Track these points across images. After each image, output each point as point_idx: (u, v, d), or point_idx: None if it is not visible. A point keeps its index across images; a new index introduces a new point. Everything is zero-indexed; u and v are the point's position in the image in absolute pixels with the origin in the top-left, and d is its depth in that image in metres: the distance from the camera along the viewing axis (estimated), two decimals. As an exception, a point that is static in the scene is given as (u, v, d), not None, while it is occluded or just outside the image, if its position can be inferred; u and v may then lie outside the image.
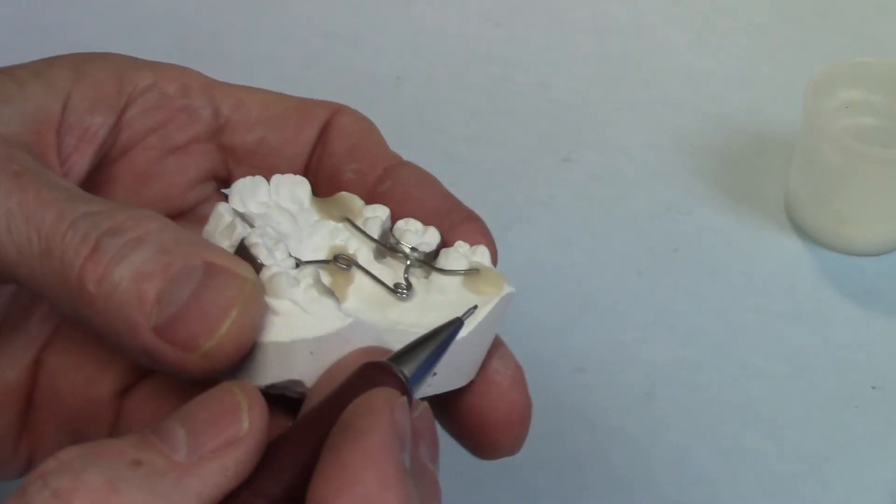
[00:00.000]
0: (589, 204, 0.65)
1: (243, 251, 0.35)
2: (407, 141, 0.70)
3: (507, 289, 0.37)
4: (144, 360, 0.33)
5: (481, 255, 0.38)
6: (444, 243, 0.38)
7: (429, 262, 0.38)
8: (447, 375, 0.36)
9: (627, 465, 0.54)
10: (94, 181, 0.39)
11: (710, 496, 0.53)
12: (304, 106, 0.41)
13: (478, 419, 0.37)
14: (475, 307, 0.36)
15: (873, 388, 0.57)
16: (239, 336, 0.33)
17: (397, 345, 0.34)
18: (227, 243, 0.36)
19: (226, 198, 0.39)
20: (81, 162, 0.38)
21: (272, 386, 0.34)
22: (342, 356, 0.34)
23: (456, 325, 0.34)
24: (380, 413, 0.30)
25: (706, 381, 0.57)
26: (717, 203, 0.65)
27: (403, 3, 0.78)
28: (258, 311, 0.33)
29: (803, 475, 0.54)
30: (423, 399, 0.34)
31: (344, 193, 0.39)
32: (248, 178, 0.38)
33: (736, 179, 0.66)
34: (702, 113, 0.70)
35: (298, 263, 0.36)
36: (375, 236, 0.38)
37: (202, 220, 0.37)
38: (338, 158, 0.40)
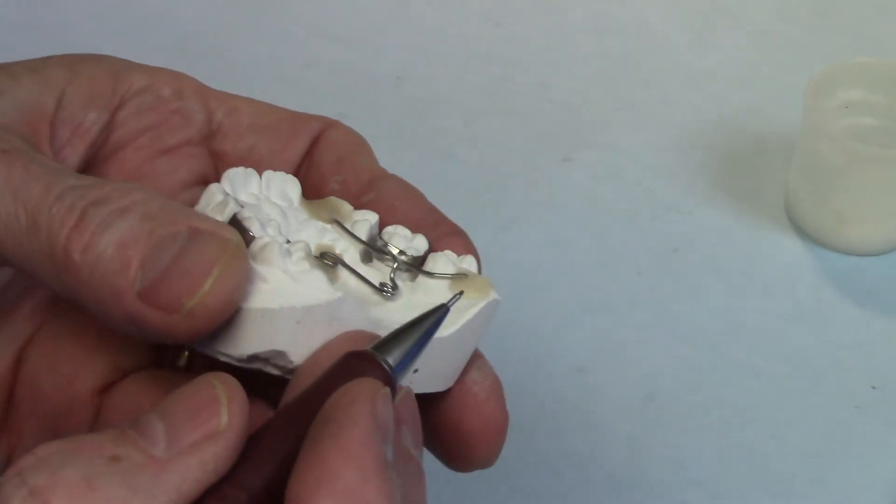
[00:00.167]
0: (589, 204, 0.65)
1: (236, 224, 0.35)
2: (407, 141, 0.70)
3: (494, 295, 0.37)
4: (130, 328, 0.33)
5: (469, 263, 0.38)
6: (432, 251, 0.38)
7: (416, 265, 0.37)
8: (428, 375, 0.35)
9: (627, 465, 0.54)
10: None
11: (710, 496, 0.53)
12: (297, 118, 0.41)
13: (453, 429, 0.37)
14: (461, 293, 0.36)
15: (873, 388, 0.57)
16: (222, 293, 0.32)
17: None
18: (220, 218, 0.35)
19: None
20: (73, 156, 0.38)
21: (255, 357, 0.34)
22: (328, 335, 0.34)
23: (441, 311, 0.34)
24: (360, 405, 0.30)
25: (706, 381, 0.57)
26: (717, 203, 0.65)
27: (403, 3, 0.78)
28: (241, 270, 0.33)
29: (803, 475, 0.54)
30: None
31: (333, 198, 0.39)
32: (241, 168, 0.38)
33: (736, 179, 0.66)
34: (702, 113, 0.70)
35: (288, 242, 0.36)
36: (363, 239, 0.38)
37: None
38: (325, 169, 0.40)
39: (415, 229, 0.38)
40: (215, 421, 0.30)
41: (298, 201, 0.39)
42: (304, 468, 0.29)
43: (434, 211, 0.39)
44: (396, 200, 0.39)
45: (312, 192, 0.40)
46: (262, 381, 0.36)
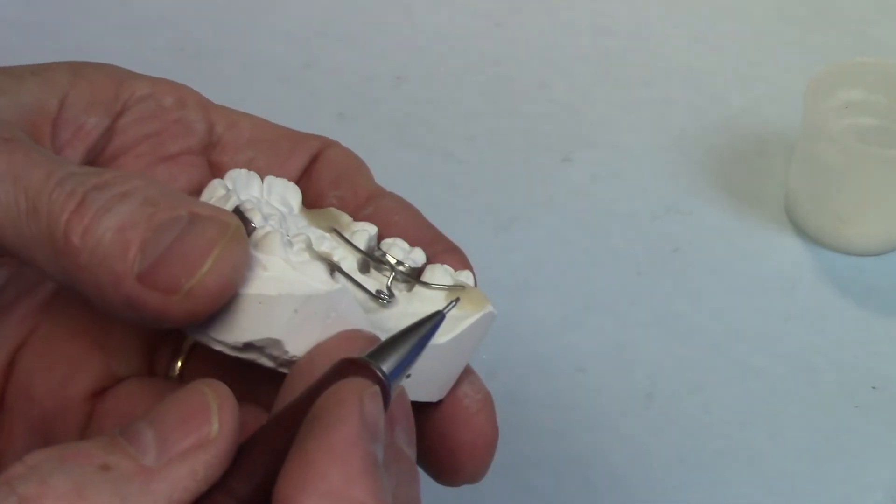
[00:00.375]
0: (589, 204, 0.65)
1: (238, 215, 0.35)
2: (407, 141, 0.70)
3: (489, 308, 0.37)
4: (128, 313, 0.33)
5: (466, 277, 0.38)
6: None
7: (413, 276, 0.37)
8: (420, 383, 0.35)
9: (627, 465, 0.54)
10: None
11: (710, 496, 0.53)
12: (297, 136, 0.41)
13: (442, 442, 0.37)
14: (457, 299, 0.36)
15: (873, 388, 0.57)
16: (221, 276, 0.32)
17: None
18: None
19: None
20: (73, 158, 0.38)
21: (250, 345, 0.34)
22: (325, 326, 0.34)
23: (437, 318, 0.34)
24: (347, 405, 0.30)
25: (706, 381, 0.57)
26: (717, 203, 0.65)
27: (403, 3, 0.78)
28: (241, 253, 0.33)
29: (803, 475, 0.54)
30: None
31: (333, 209, 0.39)
32: (243, 170, 0.38)
33: (736, 179, 0.66)
34: (702, 113, 0.70)
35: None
36: (362, 248, 0.38)
37: None
38: (323, 185, 0.40)
39: (412, 245, 0.38)
40: (206, 428, 0.30)
41: (298, 209, 0.39)
42: (291, 469, 0.29)
43: (431, 228, 0.40)
44: (394, 216, 0.39)
45: (310, 207, 0.40)
46: (255, 384, 0.36)
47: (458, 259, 0.39)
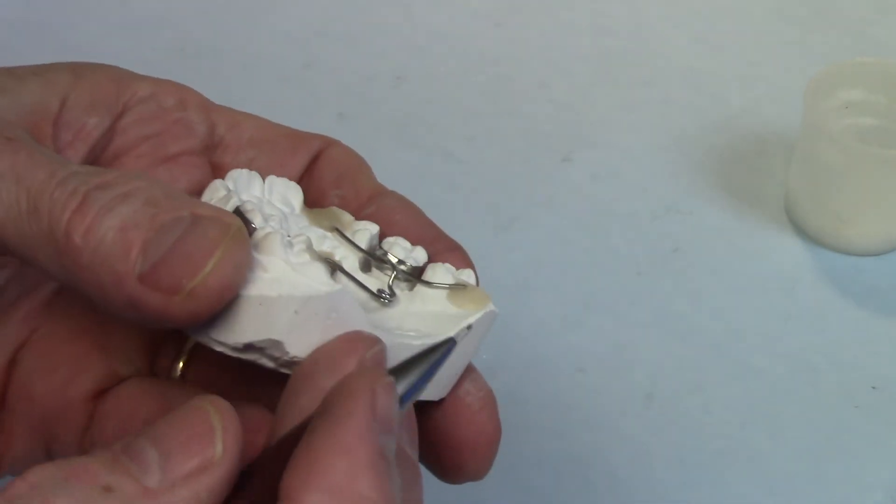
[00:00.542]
0: (589, 204, 0.65)
1: (238, 216, 0.35)
2: (407, 141, 0.70)
3: (491, 307, 0.37)
4: (130, 313, 0.33)
5: (467, 276, 0.38)
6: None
7: (415, 275, 0.38)
8: None
9: (627, 465, 0.54)
10: None
11: (710, 496, 0.53)
12: (298, 135, 0.41)
13: (445, 440, 0.37)
14: (469, 327, 0.36)
15: (873, 388, 0.57)
16: (223, 276, 0.32)
17: None
18: None
19: None
20: (74, 159, 0.38)
21: (250, 346, 0.34)
22: (326, 327, 0.34)
23: (448, 344, 0.34)
24: (357, 397, 0.30)
25: (706, 381, 0.57)
26: (717, 203, 0.65)
27: (403, 3, 0.78)
28: (243, 254, 0.33)
29: (803, 475, 0.54)
30: None
31: (335, 208, 0.39)
32: (245, 170, 0.38)
33: (736, 179, 0.66)
34: (702, 113, 0.70)
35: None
36: (363, 248, 0.38)
37: None
38: (324, 184, 0.40)
39: (414, 244, 0.38)
40: (210, 451, 0.30)
41: (300, 208, 0.39)
42: (297, 462, 0.29)
43: (433, 226, 0.40)
44: (396, 215, 0.39)
45: (311, 207, 0.40)
46: (257, 383, 0.36)
47: (459, 257, 0.39)
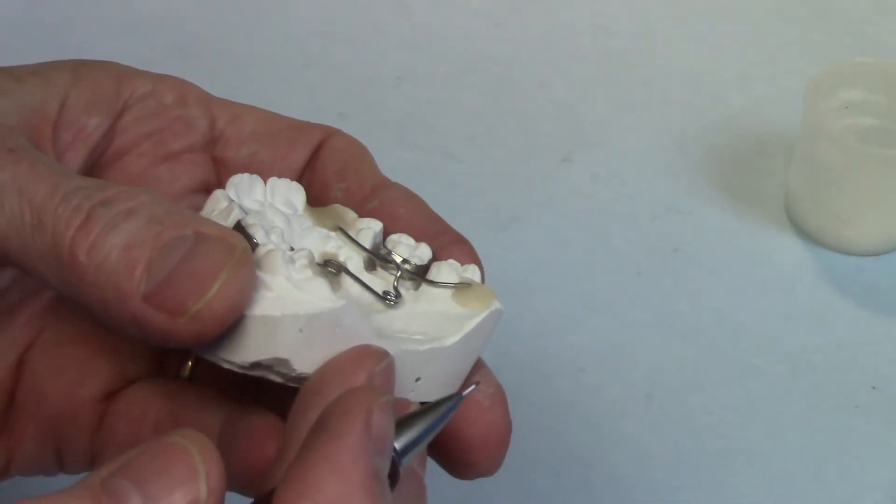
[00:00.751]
0: (589, 204, 0.65)
1: (239, 230, 0.35)
2: (407, 141, 0.70)
3: (497, 305, 0.37)
4: (134, 331, 0.33)
5: (472, 272, 0.38)
6: (435, 260, 0.38)
7: (419, 274, 0.37)
8: (431, 384, 0.36)
9: (627, 465, 0.54)
10: None
11: (710, 496, 0.53)
12: (300, 126, 0.41)
13: (456, 437, 0.36)
14: (478, 382, 0.36)
15: (873, 388, 0.57)
16: (228, 299, 0.32)
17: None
18: (224, 224, 0.35)
19: None
20: (74, 160, 0.38)
21: (257, 364, 0.34)
22: (331, 343, 0.34)
23: (454, 400, 0.33)
24: (352, 416, 0.30)
25: (706, 381, 0.57)
26: (717, 203, 0.65)
27: (403, 3, 0.78)
28: (247, 276, 0.33)
29: (803, 475, 0.54)
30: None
31: (338, 205, 0.39)
32: (246, 175, 0.38)
33: (736, 179, 0.66)
34: (702, 113, 0.70)
35: (292, 250, 0.36)
36: (367, 247, 0.37)
37: None
38: (327, 177, 0.40)
39: (418, 237, 0.38)
40: (194, 493, 0.29)
41: (303, 208, 0.38)
42: (291, 479, 0.29)
43: (438, 219, 0.39)
44: (400, 208, 0.39)
45: (315, 200, 0.40)
46: (265, 387, 0.36)
47: (465, 251, 0.38)
